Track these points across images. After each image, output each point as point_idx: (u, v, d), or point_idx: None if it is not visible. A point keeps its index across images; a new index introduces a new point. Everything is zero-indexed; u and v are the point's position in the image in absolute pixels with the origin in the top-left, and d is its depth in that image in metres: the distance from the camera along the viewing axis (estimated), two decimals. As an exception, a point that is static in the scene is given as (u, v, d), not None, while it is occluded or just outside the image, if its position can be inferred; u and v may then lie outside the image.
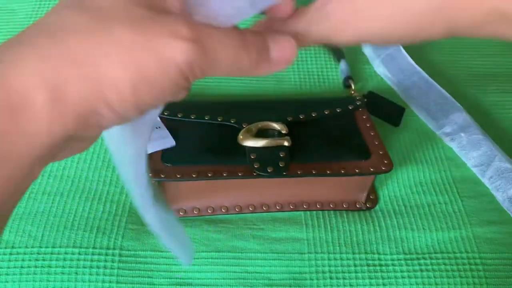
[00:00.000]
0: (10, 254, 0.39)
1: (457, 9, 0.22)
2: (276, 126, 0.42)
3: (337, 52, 0.55)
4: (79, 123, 0.17)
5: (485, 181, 0.47)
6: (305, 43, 0.25)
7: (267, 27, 0.26)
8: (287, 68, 0.55)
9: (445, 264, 0.41)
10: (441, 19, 0.22)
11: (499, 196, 0.45)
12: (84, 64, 0.17)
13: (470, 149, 0.48)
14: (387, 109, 0.51)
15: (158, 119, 0.43)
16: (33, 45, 0.17)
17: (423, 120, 0.52)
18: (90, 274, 0.38)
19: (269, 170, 0.39)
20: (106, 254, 0.39)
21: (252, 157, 0.40)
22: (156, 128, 0.42)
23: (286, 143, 0.40)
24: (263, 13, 0.25)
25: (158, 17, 0.18)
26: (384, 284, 0.40)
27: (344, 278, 0.40)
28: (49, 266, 0.38)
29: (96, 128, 0.18)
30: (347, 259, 0.41)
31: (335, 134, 0.44)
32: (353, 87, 0.52)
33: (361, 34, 0.24)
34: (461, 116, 0.50)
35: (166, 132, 0.41)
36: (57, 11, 0.18)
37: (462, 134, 0.49)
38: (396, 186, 0.46)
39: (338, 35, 0.24)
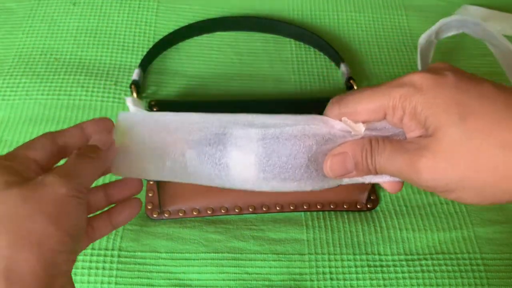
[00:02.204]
0: (8, 255, 0.39)
1: None
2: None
3: (335, 56, 0.55)
4: None
5: None
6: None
7: None
8: (287, 68, 0.55)
9: (446, 264, 0.41)
10: None
11: None
12: None
13: None
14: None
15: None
16: None
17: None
18: (89, 275, 0.38)
19: (269, 171, 0.39)
20: (105, 255, 0.39)
21: (252, 157, 0.39)
22: None
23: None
24: None
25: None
26: (385, 285, 0.39)
27: (344, 279, 0.40)
28: (48, 268, 0.38)
29: None
30: (348, 260, 0.41)
31: None
32: (355, 88, 0.52)
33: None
34: None
35: None
36: None
37: None
38: (397, 186, 0.46)
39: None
